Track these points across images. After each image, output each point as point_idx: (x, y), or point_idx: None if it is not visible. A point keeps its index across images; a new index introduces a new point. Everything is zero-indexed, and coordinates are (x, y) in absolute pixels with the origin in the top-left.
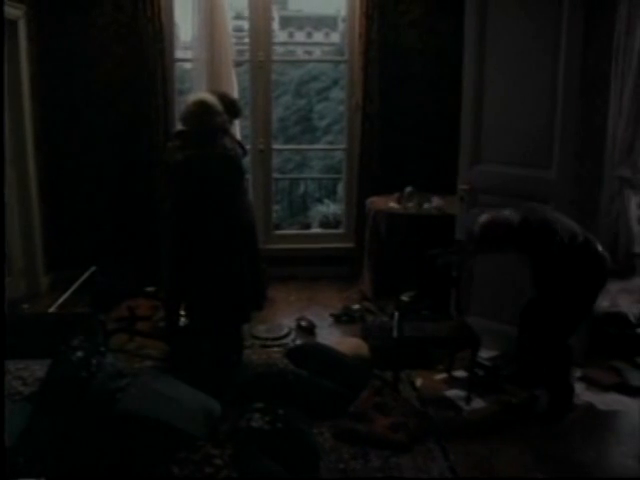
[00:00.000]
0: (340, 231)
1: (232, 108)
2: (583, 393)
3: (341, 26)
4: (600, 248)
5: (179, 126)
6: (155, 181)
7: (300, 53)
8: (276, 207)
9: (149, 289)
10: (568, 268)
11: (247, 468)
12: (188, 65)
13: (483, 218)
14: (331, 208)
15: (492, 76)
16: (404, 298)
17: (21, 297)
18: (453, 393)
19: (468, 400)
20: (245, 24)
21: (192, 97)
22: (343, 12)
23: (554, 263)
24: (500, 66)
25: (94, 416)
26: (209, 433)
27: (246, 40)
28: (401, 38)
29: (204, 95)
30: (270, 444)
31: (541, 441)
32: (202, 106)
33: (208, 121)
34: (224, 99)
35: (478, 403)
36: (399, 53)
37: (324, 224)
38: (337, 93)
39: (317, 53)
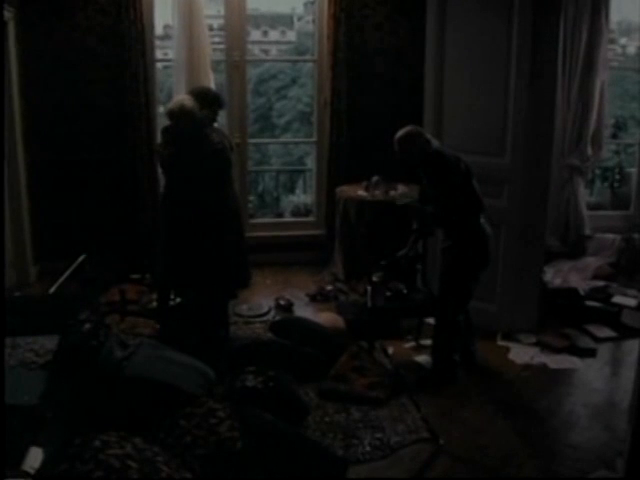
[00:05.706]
0: (311, 219)
1: (216, 101)
2: (538, 355)
3: (297, 24)
4: (489, 231)
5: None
6: (137, 175)
7: (257, 51)
8: (251, 197)
9: (134, 276)
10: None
11: (248, 419)
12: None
13: (411, 126)
14: (302, 198)
15: (451, 74)
16: (374, 279)
17: (11, 286)
18: (422, 358)
19: None
20: (214, 23)
21: (177, 98)
22: (299, 10)
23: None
24: (458, 65)
25: (104, 379)
26: (207, 393)
27: (216, 39)
28: (366, 39)
29: (184, 100)
30: (264, 401)
31: (500, 394)
32: (181, 109)
33: (187, 122)
34: (209, 93)
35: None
36: (364, 53)
37: (296, 213)
38: (296, 91)
39: (273, 51)
